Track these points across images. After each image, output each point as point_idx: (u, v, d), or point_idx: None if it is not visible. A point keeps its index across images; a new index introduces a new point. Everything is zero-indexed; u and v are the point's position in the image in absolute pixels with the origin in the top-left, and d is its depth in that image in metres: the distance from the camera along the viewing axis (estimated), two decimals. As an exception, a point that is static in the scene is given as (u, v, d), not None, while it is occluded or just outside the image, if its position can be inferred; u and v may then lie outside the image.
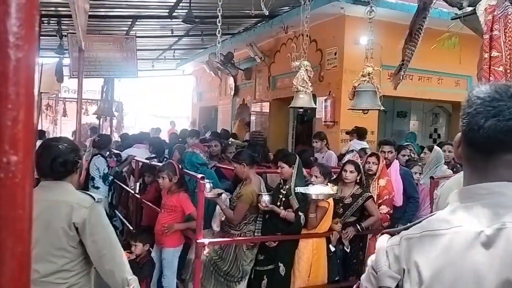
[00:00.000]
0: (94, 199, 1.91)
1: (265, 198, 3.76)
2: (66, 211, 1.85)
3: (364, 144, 6.39)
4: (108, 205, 5.62)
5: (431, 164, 4.76)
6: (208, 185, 3.61)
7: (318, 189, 3.65)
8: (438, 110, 10.35)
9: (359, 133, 6.66)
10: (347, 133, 6.99)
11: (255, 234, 3.87)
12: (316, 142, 6.26)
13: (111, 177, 5.63)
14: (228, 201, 3.95)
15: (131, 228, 5.36)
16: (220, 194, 3.80)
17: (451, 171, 4.87)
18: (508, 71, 2.75)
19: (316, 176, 3.92)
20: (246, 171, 3.88)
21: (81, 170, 2.09)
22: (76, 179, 2.02)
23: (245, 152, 4.11)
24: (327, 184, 3.77)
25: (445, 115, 10.33)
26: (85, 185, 5.45)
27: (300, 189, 3.70)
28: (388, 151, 4.57)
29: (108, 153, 5.88)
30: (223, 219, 3.94)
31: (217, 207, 3.93)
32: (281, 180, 3.98)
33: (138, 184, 5.08)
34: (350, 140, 6.78)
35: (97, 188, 5.50)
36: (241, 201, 3.78)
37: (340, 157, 5.91)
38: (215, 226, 3.93)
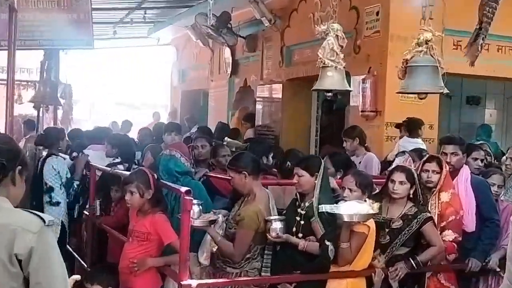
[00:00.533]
0: (44, 221, 1.93)
1: (276, 225, 3.77)
2: (5, 238, 1.87)
3: (418, 143, 6.39)
4: (67, 226, 5.68)
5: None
6: (196, 208, 3.63)
7: (353, 208, 3.66)
8: (526, 94, 10.32)
9: (411, 127, 6.66)
10: (396, 126, 6.98)
11: (262, 273, 3.88)
12: (346, 141, 6.24)
13: (76, 183, 5.64)
14: (224, 225, 3.97)
15: (85, 265, 5.39)
16: (213, 222, 3.82)
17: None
18: None
19: (350, 189, 3.93)
20: (248, 183, 3.89)
21: (26, 178, 2.11)
22: (16, 192, 2.04)
23: (246, 156, 4.13)
24: (365, 201, 3.78)
25: (536, 101, 10.30)
26: (33, 202, 5.49)
27: (326, 208, 3.71)
28: (452, 153, 4.56)
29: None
30: (214, 249, 3.96)
31: (207, 233, 3.95)
32: (298, 195, 3.98)
33: (98, 202, 5.12)
34: (400, 138, 6.78)
35: (57, 204, 5.55)
36: (242, 227, 3.79)
37: (386, 164, 5.90)
38: (203, 259, 3.95)
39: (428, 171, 4.32)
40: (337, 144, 9.13)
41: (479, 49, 4.40)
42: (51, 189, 5.59)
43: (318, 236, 3.78)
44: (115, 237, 4.63)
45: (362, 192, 3.94)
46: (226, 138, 8.03)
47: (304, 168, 3.90)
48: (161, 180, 4.10)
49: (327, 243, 3.73)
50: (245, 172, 3.86)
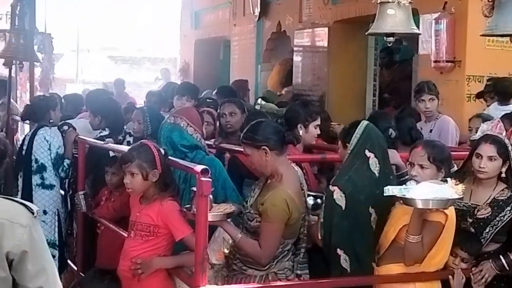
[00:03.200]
0: (31, 211, 2.02)
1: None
2: None
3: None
4: (63, 219, 5.76)
5: None
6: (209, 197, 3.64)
7: (430, 190, 3.62)
8: None
9: (501, 89, 6.58)
10: (478, 96, 6.89)
11: (298, 274, 3.92)
12: (432, 99, 6.14)
13: (67, 162, 5.71)
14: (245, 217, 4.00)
15: (75, 268, 5.50)
16: (230, 215, 3.83)
17: None
18: None
19: (421, 166, 3.89)
20: (270, 162, 3.89)
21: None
22: None
23: (266, 125, 4.07)
24: (445, 181, 3.74)
25: None
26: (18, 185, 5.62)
27: (394, 191, 3.69)
28: None
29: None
30: (226, 251, 3.98)
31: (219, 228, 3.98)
32: None
33: (81, 196, 5.22)
34: (488, 105, 6.74)
35: (50, 187, 5.66)
36: (269, 220, 3.78)
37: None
38: (215, 259, 3.98)
39: None
40: (402, 107, 9.15)
41: None
42: (43, 168, 5.67)
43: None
44: (111, 232, 4.71)
45: (438, 169, 3.89)
46: (259, 100, 8.02)
47: (342, 139, 4.00)
48: (170, 157, 4.12)
49: (339, 252, 3.80)
50: (266, 147, 3.88)
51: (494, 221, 4.00)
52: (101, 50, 23.61)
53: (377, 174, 3.94)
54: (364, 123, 4.06)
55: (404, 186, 3.74)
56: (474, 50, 6.97)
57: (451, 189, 3.63)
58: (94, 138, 5.72)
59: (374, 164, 3.94)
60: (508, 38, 4.83)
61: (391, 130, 4.78)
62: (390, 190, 3.70)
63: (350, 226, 3.88)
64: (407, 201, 3.64)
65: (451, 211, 3.78)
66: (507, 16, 4.39)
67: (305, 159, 4.42)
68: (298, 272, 3.96)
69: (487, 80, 6.88)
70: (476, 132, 5.59)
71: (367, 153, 3.95)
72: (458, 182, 3.71)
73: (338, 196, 3.87)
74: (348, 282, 3.91)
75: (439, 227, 3.75)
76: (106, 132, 5.89)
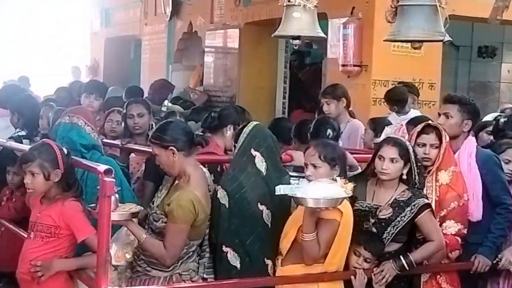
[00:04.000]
0: None
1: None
2: None
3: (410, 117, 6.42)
4: None
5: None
6: (112, 197, 3.59)
7: (320, 189, 3.68)
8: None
9: (396, 97, 6.61)
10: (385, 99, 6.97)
11: (203, 275, 3.93)
12: (328, 102, 6.27)
13: None
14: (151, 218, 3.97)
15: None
16: (136, 215, 3.80)
17: None
18: None
19: (314, 165, 3.95)
20: (177, 162, 3.88)
21: None
22: None
23: (175, 126, 4.06)
24: (335, 180, 3.80)
25: None
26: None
27: (285, 190, 3.74)
28: (445, 113, 4.56)
29: None
30: (127, 255, 3.94)
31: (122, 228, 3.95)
32: None
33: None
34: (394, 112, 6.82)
35: None
36: (174, 221, 3.77)
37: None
38: (115, 259, 3.91)
39: (425, 145, 4.35)
40: (312, 108, 9.27)
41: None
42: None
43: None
44: (11, 234, 4.60)
45: (331, 167, 3.96)
46: (165, 102, 7.98)
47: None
48: (73, 157, 4.05)
49: (226, 249, 3.86)
50: (174, 148, 3.86)
51: (395, 221, 4.07)
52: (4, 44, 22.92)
53: (264, 172, 4.01)
54: (253, 123, 4.13)
55: (295, 185, 3.80)
56: (380, 55, 7.09)
57: (341, 188, 3.71)
58: (10, 137, 5.56)
59: (260, 162, 4.02)
60: (410, 44, 4.92)
61: (329, 131, 4.89)
62: (282, 190, 3.74)
63: (236, 223, 3.92)
64: (298, 200, 3.71)
65: (346, 209, 3.85)
66: (409, 22, 4.47)
67: (212, 160, 4.41)
68: (205, 276, 3.95)
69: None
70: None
71: (253, 152, 4.03)
72: (346, 180, 3.79)
73: (221, 195, 3.93)
74: (251, 284, 3.92)
75: (335, 225, 3.81)
76: (24, 132, 5.75)
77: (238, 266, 3.90)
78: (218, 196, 3.93)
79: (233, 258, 3.90)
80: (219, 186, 3.96)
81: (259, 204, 3.94)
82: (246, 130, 4.09)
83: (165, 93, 9.10)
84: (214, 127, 4.89)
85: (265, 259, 3.96)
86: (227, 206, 3.93)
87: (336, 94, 6.21)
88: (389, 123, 5.84)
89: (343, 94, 6.27)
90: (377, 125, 5.81)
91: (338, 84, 6.60)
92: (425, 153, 4.33)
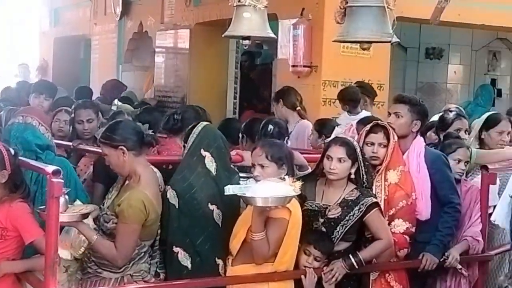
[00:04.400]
0: None
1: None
2: None
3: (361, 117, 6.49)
4: None
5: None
6: (61, 198, 3.54)
7: (268, 188, 3.69)
8: (499, 46, 10.71)
9: (349, 97, 6.68)
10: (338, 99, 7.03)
11: (156, 269, 3.93)
12: (273, 105, 6.38)
13: None
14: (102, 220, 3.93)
15: None
16: (86, 216, 3.76)
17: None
18: None
19: (261, 165, 3.97)
20: (127, 162, 3.86)
21: None
22: None
23: (125, 125, 4.06)
24: (283, 179, 3.82)
25: (510, 54, 10.71)
26: None
27: (234, 189, 3.75)
28: (395, 113, 4.62)
29: None
30: (81, 250, 3.90)
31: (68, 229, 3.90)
32: None
33: None
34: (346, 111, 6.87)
35: None
36: (125, 221, 3.75)
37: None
38: (66, 253, 3.87)
39: (374, 144, 4.40)
40: (263, 109, 9.30)
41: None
42: None
43: None
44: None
45: (278, 167, 3.98)
46: (115, 101, 7.92)
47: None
48: (21, 158, 3.99)
49: (176, 249, 3.85)
50: (123, 147, 3.83)
51: (344, 220, 4.10)
52: None
53: (214, 172, 4.01)
54: (202, 124, 4.13)
55: (244, 184, 3.82)
56: (330, 56, 7.13)
57: (289, 186, 3.72)
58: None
59: (210, 162, 4.02)
60: (359, 45, 4.95)
61: (270, 127, 4.89)
62: (231, 189, 3.74)
63: (186, 223, 3.92)
64: (247, 200, 3.71)
65: (295, 207, 3.87)
66: (357, 23, 4.49)
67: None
68: (157, 270, 3.96)
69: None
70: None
71: (203, 152, 4.03)
72: (294, 180, 3.81)
73: (171, 195, 3.92)
74: (201, 284, 3.92)
75: (284, 223, 3.83)
76: None
77: (189, 266, 3.89)
78: (168, 196, 3.92)
79: (184, 258, 3.89)
80: (169, 186, 3.95)
81: (209, 204, 3.94)
82: (196, 130, 4.08)
83: (117, 93, 9.05)
84: (177, 129, 4.88)
85: (216, 258, 3.96)
86: (177, 206, 3.91)
87: (275, 97, 6.40)
88: (336, 125, 5.90)
89: (280, 96, 6.43)
90: (321, 126, 5.87)
91: (285, 86, 6.67)
92: (373, 152, 4.37)
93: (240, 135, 5.12)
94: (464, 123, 5.54)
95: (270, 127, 4.89)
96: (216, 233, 3.96)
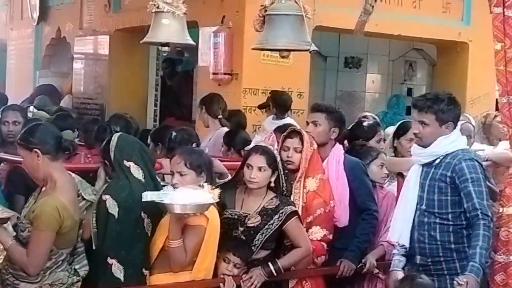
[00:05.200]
0: None
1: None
2: None
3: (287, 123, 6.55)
4: None
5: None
6: None
7: (186, 195, 3.68)
8: (414, 56, 10.95)
9: (280, 102, 6.80)
10: (260, 107, 7.11)
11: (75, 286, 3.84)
12: (199, 111, 6.40)
13: None
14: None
15: None
16: (5, 221, 3.67)
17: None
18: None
19: (180, 173, 3.96)
20: (42, 166, 3.79)
21: None
22: None
23: (43, 128, 3.98)
24: (202, 186, 3.81)
25: (425, 65, 10.96)
26: None
27: (152, 196, 3.72)
28: (313, 122, 4.67)
29: None
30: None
31: None
32: None
33: None
34: (267, 116, 6.95)
35: None
36: (37, 228, 3.67)
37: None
38: None
39: (289, 149, 4.44)
40: (184, 116, 9.25)
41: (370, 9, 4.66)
42: None
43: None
44: None
45: (197, 174, 3.97)
46: (31, 108, 7.81)
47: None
48: None
49: (110, 261, 3.78)
50: (38, 150, 3.76)
51: (263, 229, 4.12)
52: None
53: (143, 180, 3.97)
54: (116, 136, 4.07)
55: (162, 191, 3.78)
56: (250, 64, 7.15)
57: (208, 194, 3.72)
58: None
59: (136, 171, 3.97)
60: (278, 53, 4.98)
61: (173, 133, 4.89)
62: (149, 196, 3.72)
63: (124, 234, 3.86)
64: (165, 207, 3.69)
65: (212, 215, 3.87)
66: (276, 31, 4.54)
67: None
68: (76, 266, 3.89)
69: (269, 93, 7.04)
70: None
71: (126, 163, 3.98)
72: (213, 187, 3.81)
73: (111, 205, 3.85)
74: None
75: (201, 231, 3.83)
76: None
77: (122, 278, 3.83)
78: (107, 205, 3.83)
79: (117, 271, 3.82)
80: (108, 196, 3.86)
81: (142, 213, 3.90)
82: (113, 143, 4.01)
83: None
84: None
85: (144, 269, 3.90)
86: (116, 216, 3.84)
87: (199, 103, 6.50)
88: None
89: (203, 103, 6.50)
90: (230, 139, 5.87)
91: (211, 93, 6.69)
92: (288, 157, 4.41)
93: (151, 143, 5.10)
94: (379, 131, 5.63)
95: (174, 133, 4.90)
96: (146, 243, 3.92)
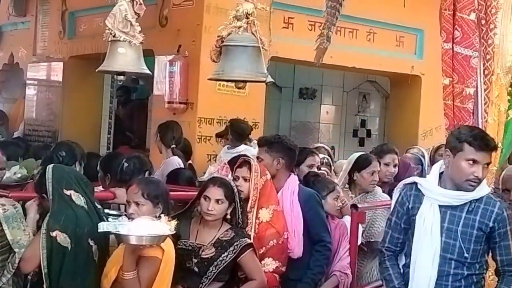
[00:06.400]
0: None
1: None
2: None
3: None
4: None
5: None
6: None
7: (143, 227, 3.62)
8: (368, 88, 11.12)
9: (238, 130, 6.83)
10: (218, 135, 7.14)
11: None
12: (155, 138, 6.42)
13: None
14: None
15: None
16: None
17: (387, 196, 5.25)
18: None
19: (137, 203, 3.93)
20: None
21: None
22: None
23: None
24: (159, 217, 3.76)
25: (379, 97, 11.13)
26: None
27: (108, 227, 3.66)
28: (258, 157, 4.73)
29: None
30: None
31: None
32: None
33: None
34: (223, 145, 6.97)
35: None
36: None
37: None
38: None
39: (238, 178, 4.47)
40: (138, 144, 9.20)
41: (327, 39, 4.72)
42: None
43: None
44: None
45: (154, 205, 3.93)
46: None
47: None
48: None
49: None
50: None
51: (217, 261, 4.09)
52: None
53: (86, 206, 3.89)
54: (49, 167, 3.95)
55: (118, 222, 3.72)
56: (206, 93, 7.19)
57: (165, 225, 3.67)
58: None
59: (78, 199, 3.89)
60: (234, 84, 5.01)
61: (125, 163, 4.87)
62: (105, 226, 3.66)
63: (78, 264, 3.78)
64: (121, 238, 3.63)
65: (168, 246, 3.81)
66: (233, 62, 4.55)
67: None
68: None
69: (228, 121, 7.04)
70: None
71: (66, 192, 3.89)
72: (171, 218, 3.76)
73: (62, 239, 3.74)
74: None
75: (156, 262, 3.76)
76: None
77: None
78: (59, 240, 3.72)
79: None
80: (56, 231, 3.74)
81: (89, 240, 3.82)
82: (48, 176, 3.88)
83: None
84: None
85: None
86: (69, 249, 3.74)
87: (156, 130, 6.49)
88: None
89: (158, 131, 6.54)
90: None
91: (168, 121, 6.70)
92: (237, 186, 4.36)
93: (101, 171, 5.06)
94: (316, 159, 5.47)
95: (125, 164, 4.89)
96: (95, 271, 3.83)
